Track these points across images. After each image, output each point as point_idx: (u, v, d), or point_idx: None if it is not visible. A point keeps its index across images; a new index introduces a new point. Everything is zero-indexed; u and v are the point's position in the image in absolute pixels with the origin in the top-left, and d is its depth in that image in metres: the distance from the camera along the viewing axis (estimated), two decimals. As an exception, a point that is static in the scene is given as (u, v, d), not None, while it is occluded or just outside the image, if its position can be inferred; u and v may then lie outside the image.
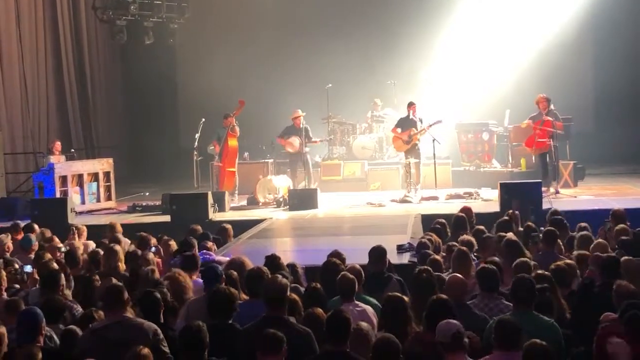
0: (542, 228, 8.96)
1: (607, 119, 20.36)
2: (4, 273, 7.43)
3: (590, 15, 20.12)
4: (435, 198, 14.99)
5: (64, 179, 15.08)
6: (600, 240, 8.28)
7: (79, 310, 6.75)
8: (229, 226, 11.22)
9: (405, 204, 14.82)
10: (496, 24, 19.72)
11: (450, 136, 17.66)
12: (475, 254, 8.28)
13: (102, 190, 15.75)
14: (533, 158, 15.97)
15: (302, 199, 14.84)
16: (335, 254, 7.61)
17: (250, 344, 5.13)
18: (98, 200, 15.73)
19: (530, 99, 15.86)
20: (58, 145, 16.62)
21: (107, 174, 15.91)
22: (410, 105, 15.73)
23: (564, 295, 6.63)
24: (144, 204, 15.69)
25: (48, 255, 8.74)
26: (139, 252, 8.76)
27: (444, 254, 8.41)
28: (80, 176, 15.43)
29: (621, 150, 19.65)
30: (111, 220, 11.53)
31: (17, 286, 7.82)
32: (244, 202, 15.73)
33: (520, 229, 9.59)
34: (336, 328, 5.19)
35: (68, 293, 7.20)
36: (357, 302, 6.36)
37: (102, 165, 15.97)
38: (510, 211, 10.52)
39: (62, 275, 7.16)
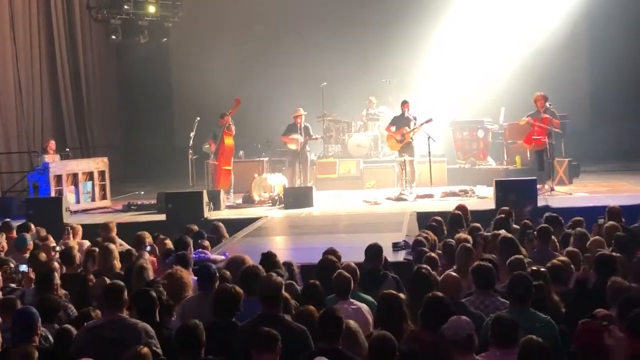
0: (540, 219, 8.98)
1: (602, 117, 20.41)
2: (-1, 272, 7.42)
3: (585, 12, 20.17)
4: (430, 196, 15.01)
5: (58, 178, 15.04)
6: (597, 237, 8.28)
7: (73, 309, 6.74)
8: (221, 224, 11.22)
9: (401, 201, 14.83)
10: (491, 21, 19.76)
11: (445, 134, 17.68)
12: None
13: (97, 189, 15.72)
14: (528, 155, 16.01)
15: (297, 197, 14.84)
16: (331, 252, 7.61)
17: (245, 342, 5.12)
18: (93, 200, 15.70)
19: (525, 97, 15.88)
20: (52, 144, 16.61)
21: (102, 173, 15.88)
22: (404, 103, 15.84)
23: (560, 292, 6.63)
24: (139, 202, 15.68)
25: (43, 255, 8.73)
26: (134, 251, 8.75)
27: (439, 252, 8.41)
28: (75, 175, 15.40)
29: (616, 148, 19.70)
30: (105, 220, 11.49)
31: (13, 285, 7.80)
32: (240, 201, 15.72)
33: (516, 226, 9.60)
34: (328, 326, 5.20)
35: (63, 292, 7.19)
36: (352, 300, 6.36)
37: (97, 164, 15.95)
38: (506, 208, 10.52)
39: (57, 274, 7.14)
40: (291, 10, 21.25)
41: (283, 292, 5.77)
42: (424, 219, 11.15)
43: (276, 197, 15.29)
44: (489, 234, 8.97)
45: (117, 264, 8.24)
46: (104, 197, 15.94)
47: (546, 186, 14.52)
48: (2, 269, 7.92)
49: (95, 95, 21.86)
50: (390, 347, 4.99)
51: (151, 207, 15.02)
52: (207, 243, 9.75)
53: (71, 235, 10.49)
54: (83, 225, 11.30)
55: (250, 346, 4.95)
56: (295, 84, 19.57)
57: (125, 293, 5.75)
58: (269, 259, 7.22)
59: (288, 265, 7.49)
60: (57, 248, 9.44)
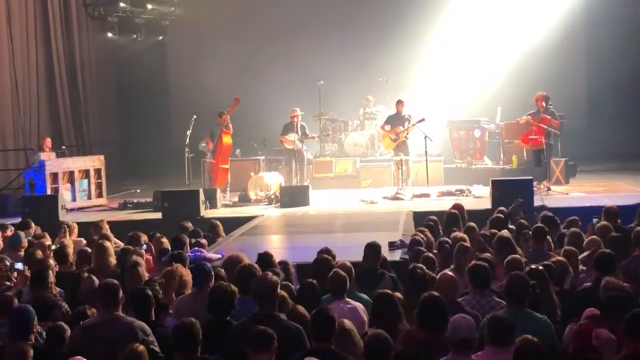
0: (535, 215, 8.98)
1: (599, 117, 20.43)
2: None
3: (582, 12, 20.21)
4: (426, 195, 15.00)
5: (54, 176, 15.02)
6: (593, 236, 8.28)
7: (66, 307, 6.72)
8: (218, 223, 11.21)
9: (397, 201, 14.82)
10: (489, 21, 19.78)
11: (442, 133, 17.69)
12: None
13: (93, 187, 15.72)
14: (525, 155, 16.02)
15: (293, 196, 14.82)
16: (325, 251, 7.60)
17: (241, 341, 5.11)
18: (89, 198, 15.69)
19: (521, 97, 15.90)
20: (48, 142, 16.58)
21: (98, 171, 15.87)
22: (399, 103, 15.95)
23: (555, 292, 6.63)
24: (135, 201, 15.67)
25: (39, 252, 8.71)
26: (131, 248, 8.74)
27: (435, 251, 8.41)
28: (71, 173, 15.39)
29: (612, 148, 19.71)
30: (98, 219, 11.48)
31: (8, 283, 7.78)
32: (236, 199, 15.70)
33: (512, 226, 9.61)
34: (321, 326, 5.18)
35: (57, 290, 7.17)
36: (347, 299, 6.35)
37: (93, 162, 15.93)
38: (502, 208, 10.52)
39: (51, 272, 7.13)
40: (288, 9, 21.24)
41: (278, 291, 5.76)
42: (421, 219, 11.16)
43: (272, 196, 15.28)
44: (486, 232, 8.98)
45: (113, 261, 8.23)
46: (100, 195, 15.94)
47: (542, 186, 14.53)
48: (-3, 267, 7.90)
49: (91, 92, 21.82)
50: (385, 347, 4.98)
51: (147, 205, 15.01)
52: (204, 241, 9.75)
53: (67, 234, 10.47)
54: (79, 224, 11.29)
55: (245, 345, 4.93)
56: (292, 82, 19.57)
57: (120, 292, 5.74)
58: (265, 259, 7.21)
59: (284, 264, 7.48)
60: (53, 246, 9.42)
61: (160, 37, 22.75)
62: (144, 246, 9.06)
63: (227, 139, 15.74)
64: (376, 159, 17.86)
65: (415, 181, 15.90)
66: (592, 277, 6.81)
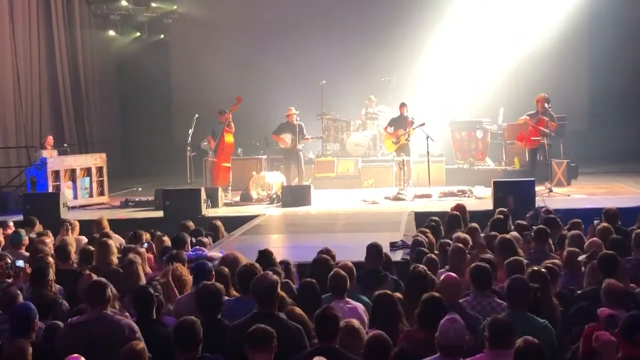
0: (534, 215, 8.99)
1: (601, 118, 20.41)
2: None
3: (586, 14, 20.18)
4: (428, 196, 15.00)
5: (56, 173, 15.03)
6: (594, 239, 8.27)
7: (66, 305, 6.72)
8: (219, 223, 11.21)
9: (399, 201, 14.82)
10: (491, 21, 19.76)
11: (444, 134, 17.69)
12: (467, 251, 8.27)
13: (94, 185, 15.73)
14: (527, 156, 16.01)
15: (295, 196, 14.82)
16: (325, 251, 7.58)
17: (240, 340, 5.10)
18: (91, 195, 15.70)
19: (523, 98, 15.90)
20: (50, 139, 16.59)
21: (99, 169, 15.88)
22: (402, 105, 15.98)
23: (554, 294, 6.62)
24: (136, 199, 15.68)
25: (43, 249, 8.70)
26: (132, 246, 8.73)
27: (436, 252, 8.40)
28: (73, 171, 15.40)
29: (614, 149, 19.69)
30: (99, 216, 11.48)
31: (9, 281, 7.78)
32: (237, 198, 15.70)
33: (512, 226, 9.60)
34: (324, 325, 5.18)
35: (57, 288, 7.17)
36: (347, 299, 6.34)
37: (95, 160, 15.94)
38: (504, 209, 10.52)
39: (51, 270, 7.12)
40: (291, 8, 21.22)
41: (279, 290, 5.76)
42: (422, 219, 11.15)
43: (274, 195, 15.29)
44: (488, 234, 8.97)
45: (115, 259, 8.22)
46: (101, 193, 15.95)
47: (544, 187, 14.53)
48: (-1, 265, 7.89)
49: (93, 90, 21.85)
50: (385, 347, 4.98)
51: (149, 204, 15.02)
52: (206, 240, 9.74)
53: (69, 231, 10.47)
54: (80, 221, 11.28)
55: (245, 344, 4.93)
56: (295, 81, 19.56)
57: (109, 290, 5.72)
58: (265, 257, 7.20)
59: (285, 263, 7.46)
60: (54, 244, 9.41)
61: (163, 36, 22.75)
62: (145, 245, 9.07)
63: (229, 138, 15.74)
64: (378, 159, 17.85)
65: (417, 182, 15.91)
66: (592, 278, 6.78)
